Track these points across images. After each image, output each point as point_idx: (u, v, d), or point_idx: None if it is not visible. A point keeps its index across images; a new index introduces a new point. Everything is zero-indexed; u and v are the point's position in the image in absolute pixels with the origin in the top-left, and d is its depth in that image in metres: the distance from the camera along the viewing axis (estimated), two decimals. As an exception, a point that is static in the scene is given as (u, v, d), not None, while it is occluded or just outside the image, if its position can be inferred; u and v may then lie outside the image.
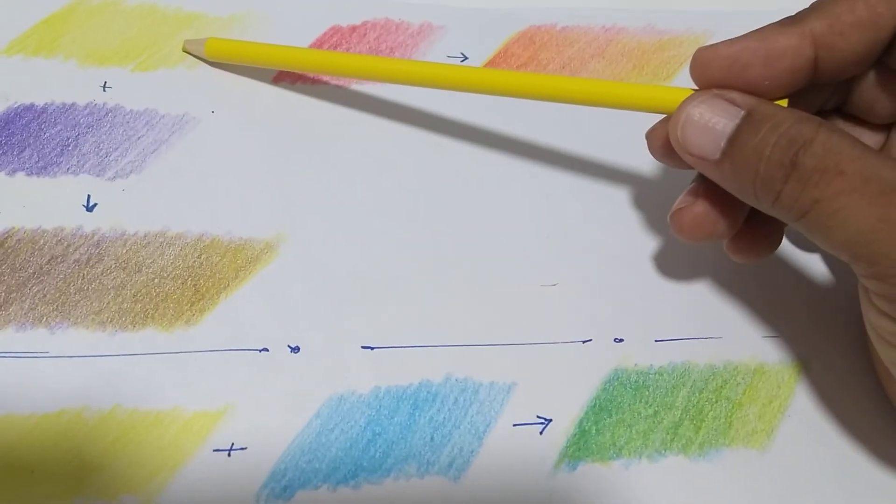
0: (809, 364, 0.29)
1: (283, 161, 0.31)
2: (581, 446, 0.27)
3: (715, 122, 0.23)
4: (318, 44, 0.34)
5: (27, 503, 0.24)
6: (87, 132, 0.30)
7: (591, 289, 0.30)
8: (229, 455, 0.25)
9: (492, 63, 0.35)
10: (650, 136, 0.27)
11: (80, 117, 0.31)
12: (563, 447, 0.27)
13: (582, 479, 0.26)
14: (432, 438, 0.27)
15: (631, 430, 0.28)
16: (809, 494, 0.27)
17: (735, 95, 0.24)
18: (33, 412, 0.25)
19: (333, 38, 0.34)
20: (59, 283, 0.27)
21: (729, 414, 0.28)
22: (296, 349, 0.28)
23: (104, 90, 0.31)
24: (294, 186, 0.31)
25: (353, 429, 0.26)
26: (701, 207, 0.26)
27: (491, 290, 0.30)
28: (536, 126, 0.33)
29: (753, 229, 0.27)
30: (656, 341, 0.29)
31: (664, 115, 0.26)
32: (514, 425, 0.27)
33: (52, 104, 0.31)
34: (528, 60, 0.35)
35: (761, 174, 0.22)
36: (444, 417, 0.27)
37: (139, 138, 0.30)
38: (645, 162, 0.32)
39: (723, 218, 0.26)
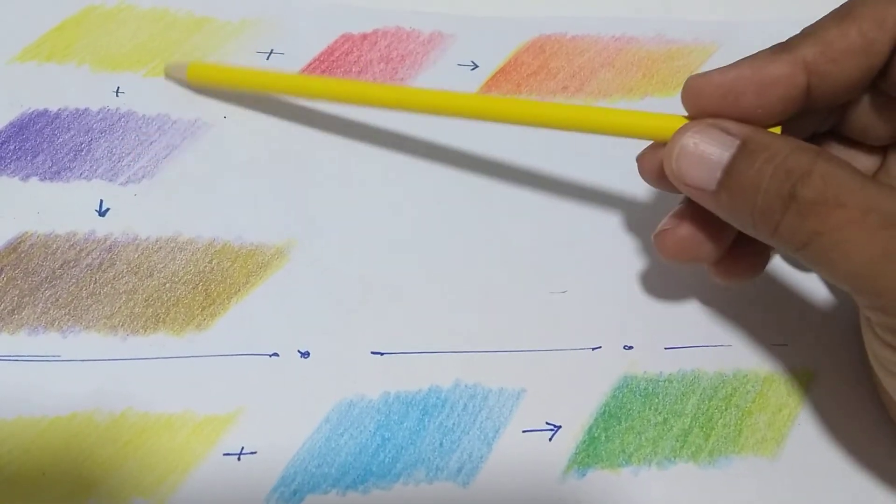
0: (819, 372, 0.29)
1: (294, 167, 0.31)
2: (590, 453, 0.27)
3: (710, 152, 0.23)
4: (329, 51, 0.34)
5: (38, 506, 0.24)
6: (99, 137, 0.31)
7: (600, 296, 0.30)
8: (239, 459, 0.26)
9: (502, 71, 0.35)
10: (641, 161, 0.27)
11: (92, 122, 0.31)
12: (573, 454, 0.27)
13: (591, 486, 0.26)
14: (441, 444, 0.27)
15: (640, 438, 0.28)
16: (819, 502, 0.27)
17: (729, 124, 0.23)
18: (45, 415, 0.25)
19: (344, 46, 0.35)
20: (72, 288, 0.28)
21: (738, 422, 0.28)
22: (306, 354, 0.28)
23: (117, 95, 0.32)
24: (305, 193, 0.31)
25: (362, 434, 0.27)
26: (686, 230, 0.26)
27: (500, 297, 0.30)
28: (548, 135, 0.34)
29: (739, 253, 0.27)
30: (666, 349, 0.29)
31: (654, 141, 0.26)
32: (524, 431, 0.27)
33: (65, 109, 0.31)
34: (539, 69, 0.36)
35: (759, 206, 0.22)
36: (454, 423, 0.27)
37: (151, 143, 0.31)
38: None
39: (708, 241, 0.26)
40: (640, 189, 0.32)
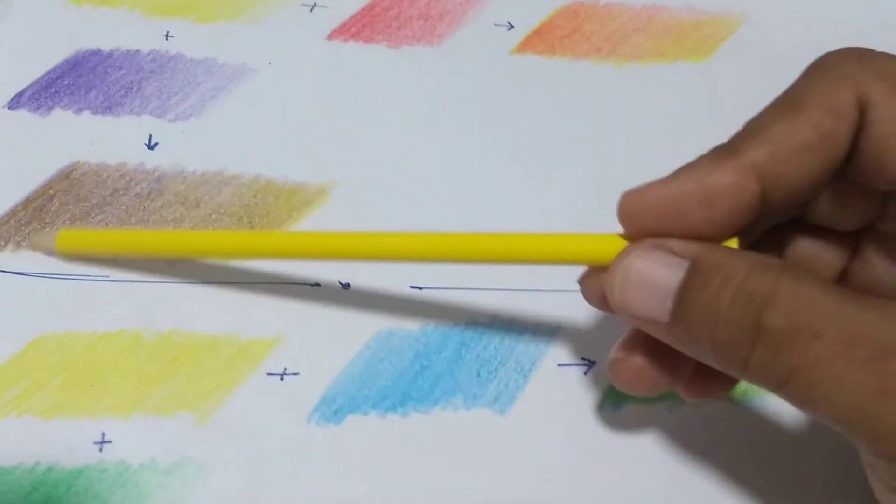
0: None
1: (335, 111, 0.32)
2: (625, 388, 0.27)
3: (657, 278, 0.20)
4: (370, 6, 0.35)
5: (86, 415, 0.25)
6: (149, 77, 0.32)
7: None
8: (282, 379, 0.26)
9: (537, 32, 0.36)
10: (583, 284, 0.24)
11: (143, 63, 0.32)
12: (607, 388, 0.27)
13: (627, 418, 0.27)
14: (479, 374, 0.27)
15: (674, 374, 0.28)
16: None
17: (675, 243, 0.20)
18: (94, 330, 0.26)
19: (385, 2, 0.36)
20: (121, 214, 0.28)
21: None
22: (346, 286, 0.28)
23: (167, 39, 0.33)
24: (345, 136, 0.31)
25: (401, 361, 0.27)
26: (639, 361, 0.22)
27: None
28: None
29: (705, 373, 0.23)
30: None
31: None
32: (559, 365, 0.28)
33: (117, 50, 0.32)
34: (573, 31, 0.36)
35: (720, 339, 0.19)
36: (491, 355, 0.28)
37: (199, 84, 0.32)
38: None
39: (666, 370, 0.22)
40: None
